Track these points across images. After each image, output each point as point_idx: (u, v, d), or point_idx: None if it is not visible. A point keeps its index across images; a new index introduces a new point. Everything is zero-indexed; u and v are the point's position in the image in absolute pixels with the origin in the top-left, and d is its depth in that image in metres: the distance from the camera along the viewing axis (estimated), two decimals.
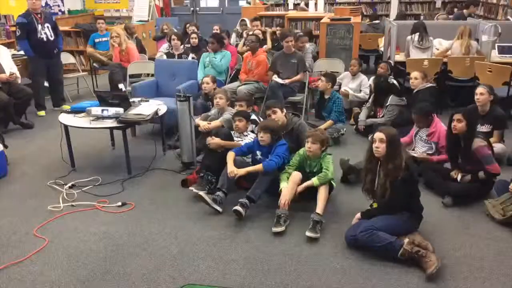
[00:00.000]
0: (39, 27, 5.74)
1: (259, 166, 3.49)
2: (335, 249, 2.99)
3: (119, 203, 3.62)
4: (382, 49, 7.47)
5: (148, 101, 4.55)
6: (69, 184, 3.93)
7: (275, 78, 5.51)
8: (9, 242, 3.15)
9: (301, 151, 3.60)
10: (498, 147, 4.06)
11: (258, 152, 3.73)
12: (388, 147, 2.88)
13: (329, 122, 5.02)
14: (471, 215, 3.38)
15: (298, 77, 5.57)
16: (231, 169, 3.47)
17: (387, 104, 4.91)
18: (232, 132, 4.11)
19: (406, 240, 2.78)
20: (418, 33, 5.96)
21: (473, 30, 6.10)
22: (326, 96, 5.20)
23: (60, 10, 10.71)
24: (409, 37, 6.06)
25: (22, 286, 2.69)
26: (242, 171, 3.49)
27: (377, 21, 8.39)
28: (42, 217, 3.46)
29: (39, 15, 5.78)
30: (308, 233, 3.11)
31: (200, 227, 3.29)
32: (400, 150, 2.91)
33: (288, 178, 3.47)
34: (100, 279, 2.74)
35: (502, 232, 3.16)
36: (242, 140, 4.02)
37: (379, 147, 2.90)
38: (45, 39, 5.83)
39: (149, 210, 3.56)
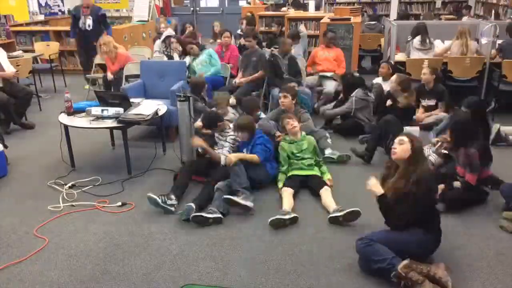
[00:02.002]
0: (82, 18, 7.21)
1: (254, 157, 3.77)
2: (335, 249, 2.99)
3: (119, 203, 3.62)
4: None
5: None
6: (69, 184, 3.93)
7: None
8: (9, 242, 3.15)
9: (281, 146, 3.93)
10: (441, 115, 4.92)
11: (244, 150, 3.93)
12: (412, 153, 2.64)
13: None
14: (471, 215, 3.37)
15: (256, 75, 5.70)
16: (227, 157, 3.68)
17: (351, 95, 5.02)
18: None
19: (404, 262, 2.52)
20: (419, 35, 5.93)
21: (473, 30, 6.10)
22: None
23: (60, 10, 10.72)
24: (409, 40, 6.02)
25: (22, 286, 2.69)
26: (237, 156, 3.72)
27: (373, 22, 8.36)
28: (42, 217, 3.46)
29: (86, 9, 7.23)
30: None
31: (200, 227, 3.29)
32: (421, 162, 2.66)
33: (283, 179, 3.79)
34: (100, 279, 2.74)
35: (502, 232, 3.16)
36: (223, 141, 4.09)
37: (396, 148, 2.69)
38: (82, 29, 7.23)
39: (149, 210, 3.56)
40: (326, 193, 3.55)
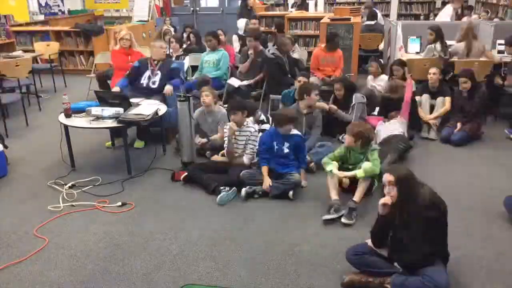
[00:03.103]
0: (148, 72, 5.02)
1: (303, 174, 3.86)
2: (335, 249, 2.99)
3: (119, 203, 3.62)
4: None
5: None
6: (69, 184, 3.92)
7: (230, 81, 5.74)
8: (9, 242, 3.15)
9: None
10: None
11: (274, 143, 3.84)
12: (400, 189, 2.45)
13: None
14: (471, 215, 3.38)
15: (257, 78, 5.73)
16: (266, 181, 3.70)
17: (353, 103, 4.93)
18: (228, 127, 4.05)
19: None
20: (439, 41, 5.75)
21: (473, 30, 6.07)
22: None
23: (60, 10, 10.73)
24: (431, 46, 5.80)
25: (22, 286, 2.69)
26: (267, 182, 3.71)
27: (372, 22, 8.33)
28: (42, 217, 3.46)
29: (155, 63, 5.06)
30: (344, 220, 3.27)
31: (200, 227, 3.29)
32: (418, 188, 2.48)
33: (329, 163, 3.59)
34: (100, 279, 2.74)
35: (502, 232, 3.16)
36: (241, 134, 4.00)
37: (391, 192, 2.48)
38: (144, 85, 5.00)
39: (149, 210, 3.56)
40: (362, 182, 3.46)
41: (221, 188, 3.67)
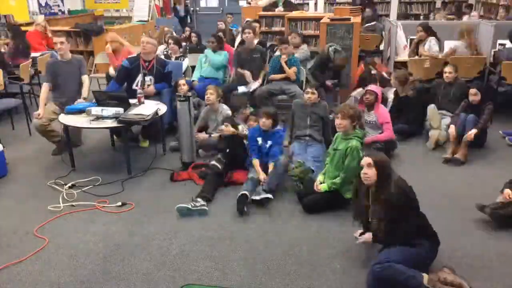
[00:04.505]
0: (140, 75, 4.85)
1: (271, 167, 3.84)
2: (335, 249, 2.99)
3: (119, 203, 3.62)
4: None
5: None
6: (69, 184, 3.93)
7: (240, 89, 5.51)
8: (9, 242, 3.15)
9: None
10: None
11: (258, 139, 3.98)
12: (378, 174, 2.62)
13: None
14: (471, 215, 3.38)
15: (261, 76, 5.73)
16: (262, 175, 3.75)
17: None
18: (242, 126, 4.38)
19: (426, 277, 2.49)
20: (434, 38, 5.82)
21: (473, 30, 6.07)
22: None
23: (60, 10, 10.72)
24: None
25: (22, 286, 2.69)
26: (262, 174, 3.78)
27: (372, 23, 8.31)
28: (42, 217, 3.46)
29: (147, 63, 4.88)
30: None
31: (200, 227, 3.29)
32: (391, 176, 2.65)
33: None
34: (100, 279, 2.74)
35: (502, 232, 3.16)
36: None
37: (368, 173, 2.64)
38: (138, 90, 4.62)
39: (149, 210, 3.56)
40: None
41: (197, 199, 3.53)
